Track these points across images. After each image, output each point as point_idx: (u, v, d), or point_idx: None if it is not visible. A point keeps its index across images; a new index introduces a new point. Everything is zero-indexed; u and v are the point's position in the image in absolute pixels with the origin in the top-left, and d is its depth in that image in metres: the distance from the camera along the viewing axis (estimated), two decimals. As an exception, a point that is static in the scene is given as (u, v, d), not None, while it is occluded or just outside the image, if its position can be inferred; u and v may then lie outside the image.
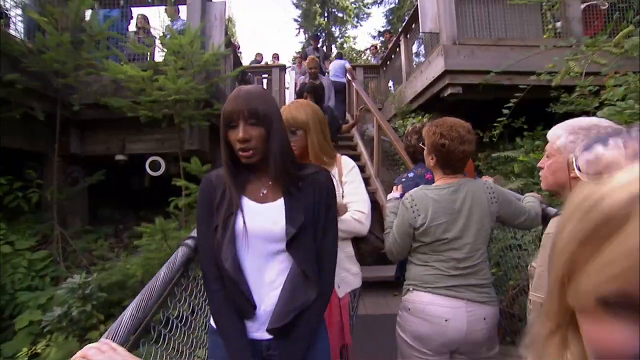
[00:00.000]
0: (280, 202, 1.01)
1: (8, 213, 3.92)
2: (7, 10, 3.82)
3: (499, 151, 4.16)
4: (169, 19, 4.74)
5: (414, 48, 6.42)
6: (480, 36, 4.47)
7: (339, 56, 7.48)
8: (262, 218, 1.00)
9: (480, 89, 4.17)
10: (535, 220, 1.60)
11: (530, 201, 1.68)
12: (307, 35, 20.27)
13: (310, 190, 1.03)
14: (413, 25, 5.67)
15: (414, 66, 5.81)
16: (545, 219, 1.78)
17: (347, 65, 7.02)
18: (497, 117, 3.59)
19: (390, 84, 7.67)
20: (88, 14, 4.00)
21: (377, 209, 1.56)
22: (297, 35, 22.02)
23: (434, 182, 1.72)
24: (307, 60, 3.87)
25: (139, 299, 0.94)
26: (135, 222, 5.06)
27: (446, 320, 1.33)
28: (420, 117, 5.02)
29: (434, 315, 1.35)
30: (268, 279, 1.00)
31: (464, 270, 1.38)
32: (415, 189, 1.50)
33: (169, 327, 1.15)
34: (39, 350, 2.56)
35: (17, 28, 3.88)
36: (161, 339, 1.12)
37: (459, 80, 4.26)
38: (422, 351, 1.38)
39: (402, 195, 1.71)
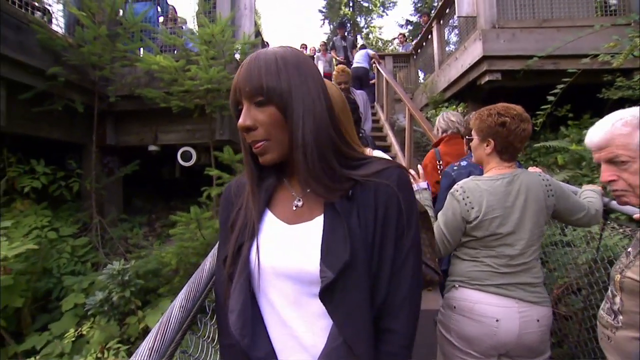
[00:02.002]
0: (317, 223, 0.65)
1: (52, 201, 4.13)
2: (49, 6, 3.97)
3: (539, 142, 3.90)
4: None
5: (447, 35, 6.13)
6: (523, 18, 4.17)
7: (363, 47, 7.46)
8: (291, 248, 0.65)
9: (521, 75, 3.91)
10: (595, 218, 1.46)
11: (590, 196, 1.54)
12: (332, 26, 20.03)
13: (369, 201, 0.65)
14: (447, 10, 5.40)
15: (447, 54, 5.55)
16: (608, 213, 1.63)
17: (371, 52, 6.99)
18: (537, 106, 3.34)
19: (420, 74, 7.44)
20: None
21: (424, 222, 1.18)
22: (321, 26, 21.80)
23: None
24: (335, 72, 3.12)
25: (187, 290, 0.91)
26: (167, 212, 5.23)
27: (497, 321, 1.23)
28: (454, 107, 4.80)
29: (484, 315, 1.25)
30: (303, 341, 0.65)
31: (516, 268, 1.27)
32: (465, 180, 1.38)
33: (214, 319, 1.12)
34: (84, 332, 2.70)
35: (58, 23, 4.03)
36: (202, 328, 1.10)
37: (497, 66, 4.02)
38: (468, 352, 1.28)
39: (429, 185, 1.60)
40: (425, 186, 1.59)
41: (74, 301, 3.11)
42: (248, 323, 0.64)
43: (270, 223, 0.69)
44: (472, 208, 1.30)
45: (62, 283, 3.34)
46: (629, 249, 0.96)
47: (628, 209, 1.48)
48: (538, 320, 1.24)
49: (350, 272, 0.60)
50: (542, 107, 3.29)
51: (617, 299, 0.94)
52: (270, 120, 0.63)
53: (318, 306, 0.63)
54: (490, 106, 1.37)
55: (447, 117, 2.40)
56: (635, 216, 1.40)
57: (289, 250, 0.66)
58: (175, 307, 0.86)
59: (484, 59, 3.99)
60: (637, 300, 0.86)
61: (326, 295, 0.60)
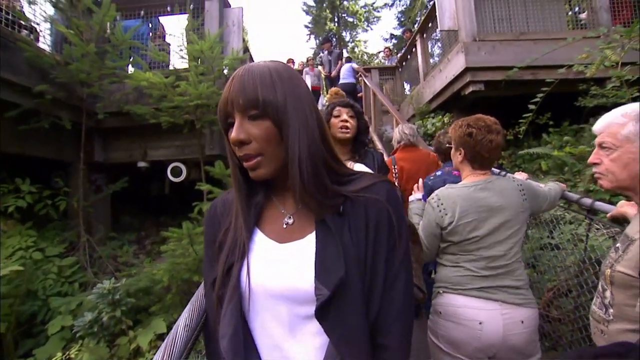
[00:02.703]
0: (309, 241, 0.64)
1: (38, 220, 4.02)
2: (37, 24, 3.96)
3: (523, 149, 4.04)
4: None
5: (430, 48, 6.35)
6: (501, 31, 4.36)
7: (348, 60, 7.67)
8: (284, 267, 0.64)
9: (503, 85, 4.06)
10: (555, 202, 1.63)
11: (550, 185, 1.67)
12: (317, 41, 20.43)
13: (360, 216, 0.65)
14: (430, 25, 5.60)
15: (431, 66, 5.74)
16: (594, 214, 1.70)
17: (355, 65, 7.20)
18: (520, 114, 3.48)
19: (406, 86, 7.64)
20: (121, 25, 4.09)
21: (411, 236, 1.18)
22: (307, 42, 22.23)
23: (461, 178, 1.69)
24: (328, 96, 3.07)
25: (190, 308, 0.90)
26: (156, 228, 5.14)
27: (480, 323, 1.26)
28: (440, 117, 4.93)
29: (467, 319, 1.27)
30: None
31: (495, 271, 1.31)
32: (441, 188, 1.45)
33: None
34: (72, 356, 2.60)
35: (45, 41, 4.02)
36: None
37: (480, 77, 4.17)
38: (456, 357, 1.30)
39: (424, 196, 1.67)
40: (420, 197, 1.66)
41: (61, 324, 2.99)
42: (240, 349, 0.62)
43: (261, 242, 0.67)
44: (446, 214, 1.35)
45: (47, 305, 3.21)
46: (618, 244, 0.99)
47: (609, 208, 1.55)
48: (522, 322, 1.27)
49: (345, 288, 0.59)
50: (524, 115, 3.42)
51: (608, 293, 0.96)
52: (265, 135, 0.62)
53: (312, 325, 0.62)
54: (467, 117, 1.46)
55: (402, 130, 2.70)
56: (608, 215, 1.48)
57: (281, 269, 0.64)
58: (180, 326, 0.85)
59: (466, 70, 4.14)
60: (627, 293, 0.89)
61: (322, 313, 0.59)
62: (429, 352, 1.44)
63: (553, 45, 3.58)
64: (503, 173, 2.22)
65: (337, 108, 1.69)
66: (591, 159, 1.04)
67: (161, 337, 2.66)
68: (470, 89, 4.18)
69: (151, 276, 3.16)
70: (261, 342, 0.65)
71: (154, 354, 0.83)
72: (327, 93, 7.74)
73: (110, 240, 4.63)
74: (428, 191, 1.88)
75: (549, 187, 1.66)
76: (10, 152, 3.71)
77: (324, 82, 8.23)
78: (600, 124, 1.02)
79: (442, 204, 1.37)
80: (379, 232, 0.64)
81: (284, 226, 0.68)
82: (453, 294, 1.33)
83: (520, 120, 3.52)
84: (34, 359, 2.85)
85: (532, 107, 3.32)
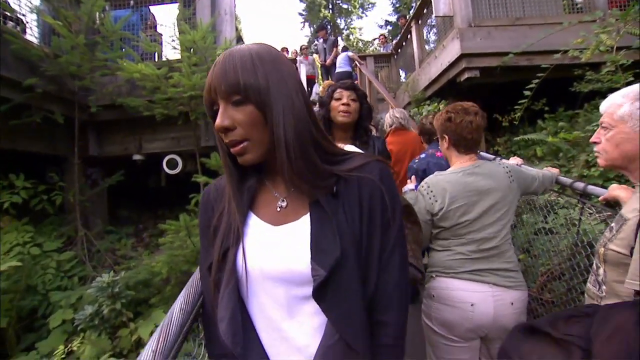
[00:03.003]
0: (304, 222, 0.64)
1: (34, 216, 4.01)
2: (23, 16, 3.87)
3: (519, 135, 4.04)
4: None
5: (425, 34, 6.28)
6: (497, 16, 4.32)
7: (344, 49, 7.63)
8: (279, 249, 0.64)
9: (498, 71, 4.04)
10: (546, 184, 1.65)
11: (543, 170, 1.70)
12: (312, 29, 20.16)
13: (354, 196, 0.65)
14: (425, 11, 5.53)
15: (427, 53, 5.68)
16: (587, 198, 1.73)
17: (350, 54, 7.19)
18: (515, 101, 3.47)
19: (402, 73, 7.59)
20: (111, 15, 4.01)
21: (409, 217, 1.20)
22: (302, 29, 21.92)
23: (443, 159, 1.72)
24: (321, 89, 3.26)
25: (186, 292, 0.92)
26: (154, 221, 5.15)
27: (472, 305, 1.30)
28: (436, 104, 4.92)
29: (459, 301, 1.31)
30: (296, 342, 0.64)
31: (486, 253, 1.34)
32: (431, 176, 1.48)
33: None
34: (74, 348, 2.63)
35: (33, 33, 3.93)
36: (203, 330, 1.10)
37: (475, 63, 4.14)
38: (449, 338, 1.35)
39: (417, 187, 1.70)
40: (413, 187, 1.69)
41: (62, 317, 3.02)
42: (239, 331, 0.62)
43: (255, 226, 0.67)
44: (436, 201, 1.39)
45: (48, 300, 3.24)
46: (612, 224, 1.02)
47: (601, 191, 1.57)
48: (512, 304, 1.31)
49: (342, 268, 0.60)
50: (520, 101, 3.42)
51: (601, 271, 1.00)
52: (249, 120, 0.61)
53: (310, 306, 0.62)
54: (447, 106, 1.51)
55: (393, 114, 2.79)
56: (600, 198, 1.51)
57: (277, 251, 0.64)
58: (175, 310, 0.86)
59: (462, 56, 4.11)
60: (618, 270, 0.92)
61: (320, 293, 0.60)
62: (423, 336, 1.48)
63: (549, 30, 3.56)
64: (498, 159, 2.24)
65: (339, 90, 1.60)
66: (592, 138, 1.07)
67: (162, 328, 2.70)
68: (466, 75, 4.15)
69: (150, 269, 3.18)
70: (260, 324, 0.66)
71: (154, 343, 0.85)
72: (322, 81, 7.69)
73: (108, 234, 4.64)
74: (412, 173, 1.99)
75: (542, 171, 1.69)
76: (2, 148, 3.67)
77: (319, 71, 8.14)
78: (604, 105, 1.04)
79: (431, 191, 1.41)
80: (373, 210, 0.65)
81: (278, 209, 0.68)
82: (446, 278, 1.36)
83: (516, 107, 3.52)
84: (36, 353, 2.88)
85: (527, 93, 3.31)
